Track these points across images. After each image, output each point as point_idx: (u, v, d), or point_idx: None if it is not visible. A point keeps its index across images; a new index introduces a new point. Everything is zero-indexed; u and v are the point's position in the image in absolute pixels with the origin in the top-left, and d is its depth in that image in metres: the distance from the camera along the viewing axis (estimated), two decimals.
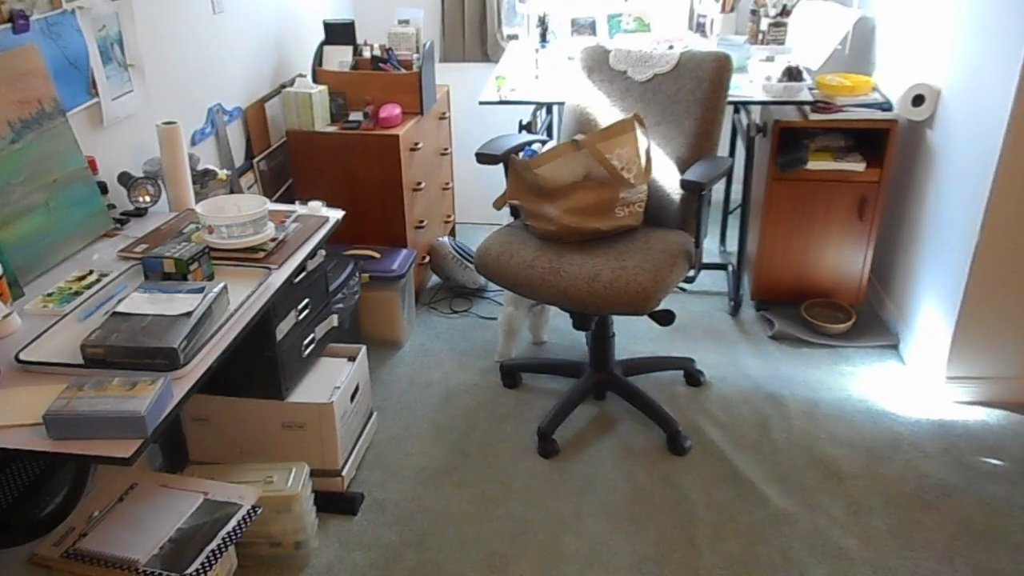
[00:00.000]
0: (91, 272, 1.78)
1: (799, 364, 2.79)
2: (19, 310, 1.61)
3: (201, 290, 1.58)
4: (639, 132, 2.27)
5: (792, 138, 2.84)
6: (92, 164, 1.97)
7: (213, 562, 1.66)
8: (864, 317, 2.98)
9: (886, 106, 2.77)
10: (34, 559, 1.65)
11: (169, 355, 1.40)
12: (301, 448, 2.12)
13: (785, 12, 3.12)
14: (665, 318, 2.37)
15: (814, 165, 2.83)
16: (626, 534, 2.10)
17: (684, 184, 2.19)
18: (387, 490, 2.27)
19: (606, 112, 2.50)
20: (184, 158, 2.12)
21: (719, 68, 2.34)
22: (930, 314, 2.64)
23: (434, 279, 3.41)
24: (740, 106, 3.00)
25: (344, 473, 2.19)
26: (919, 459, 2.34)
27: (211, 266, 1.76)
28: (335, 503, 2.18)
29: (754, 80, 2.87)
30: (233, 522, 1.75)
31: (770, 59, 3.02)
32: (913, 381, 2.68)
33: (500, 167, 2.43)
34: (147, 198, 2.09)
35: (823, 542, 2.06)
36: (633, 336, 2.97)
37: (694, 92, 2.36)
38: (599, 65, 2.53)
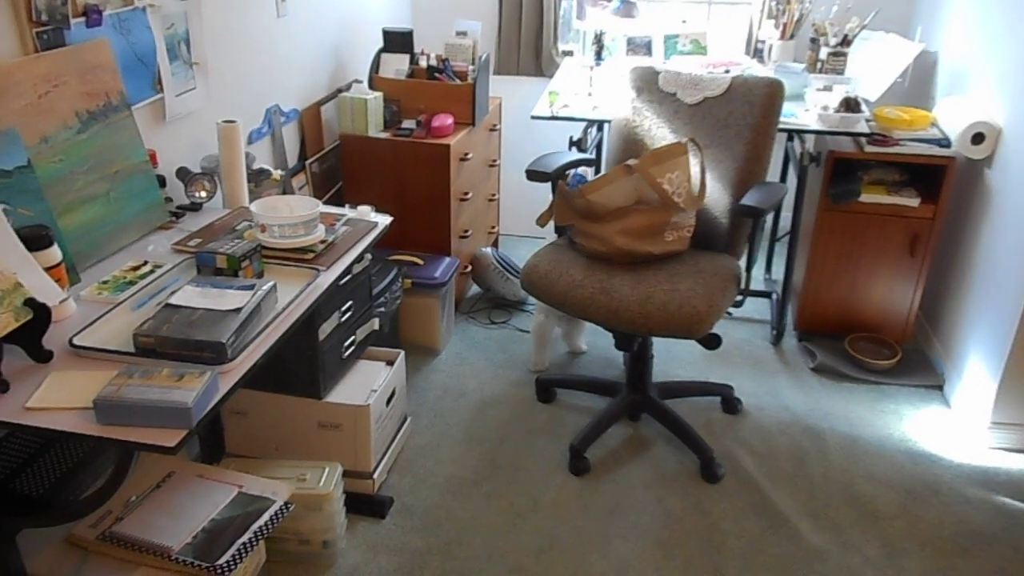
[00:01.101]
0: (146, 263, 1.83)
1: (840, 399, 2.74)
2: (75, 295, 1.65)
3: (251, 287, 1.61)
4: (691, 156, 2.26)
5: (846, 169, 2.81)
6: (153, 157, 2.02)
7: (244, 555, 1.68)
8: (910, 355, 2.92)
9: (944, 142, 2.72)
10: (71, 539, 1.69)
11: (217, 349, 1.43)
12: (335, 448, 2.14)
13: (846, 42, 3.08)
14: (712, 342, 2.35)
15: (867, 198, 2.79)
16: (653, 559, 2.08)
17: (742, 210, 2.18)
18: (416, 496, 2.28)
19: (654, 133, 2.50)
20: (241, 156, 2.16)
21: (771, 94, 2.33)
22: (978, 357, 2.58)
23: (474, 289, 3.42)
24: (794, 134, 2.97)
25: (375, 476, 2.21)
26: (958, 504, 2.28)
27: (262, 264, 1.79)
28: (365, 505, 2.20)
29: (810, 109, 2.84)
30: (265, 517, 1.77)
31: (828, 88, 2.98)
32: (957, 424, 2.62)
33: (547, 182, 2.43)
34: (203, 193, 2.14)
35: None
36: (672, 359, 2.95)
37: (745, 117, 2.34)
38: (648, 86, 2.53)
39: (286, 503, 1.83)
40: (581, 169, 2.67)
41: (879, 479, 2.37)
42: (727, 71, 2.96)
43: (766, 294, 3.37)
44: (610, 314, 2.17)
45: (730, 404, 2.67)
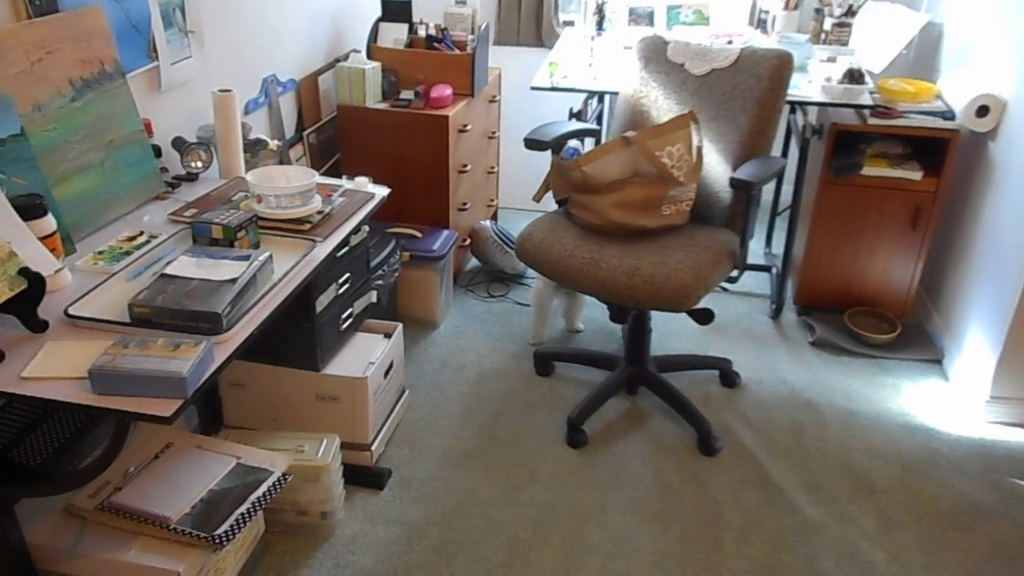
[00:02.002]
0: (141, 233, 1.81)
1: (838, 373, 2.74)
2: (70, 265, 1.64)
3: (247, 257, 1.60)
4: (693, 129, 2.24)
5: (848, 142, 2.78)
6: (148, 127, 2.00)
7: (242, 525, 1.68)
8: (909, 329, 2.92)
9: (948, 115, 2.69)
10: (70, 509, 1.70)
11: (213, 319, 1.42)
12: (333, 420, 2.14)
13: (850, 12, 3.04)
14: (704, 317, 2.34)
15: (869, 171, 2.77)
16: (650, 530, 2.09)
17: (733, 183, 2.15)
18: (414, 468, 2.28)
19: (660, 104, 2.47)
20: (237, 126, 2.14)
21: (780, 66, 2.30)
22: (977, 331, 2.57)
23: (473, 262, 3.41)
24: (797, 106, 2.94)
25: (373, 448, 2.21)
26: (956, 477, 2.28)
27: (258, 235, 1.78)
28: (363, 477, 2.21)
29: (813, 80, 2.81)
30: (263, 488, 1.78)
31: (831, 60, 2.95)
32: (955, 398, 2.62)
33: (548, 153, 2.41)
34: (199, 164, 2.12)
35: (851, 554, 2.03)
36: (670, 332, 2.94)
37: (752, 90, 2.31)
38: (656, 56, 2.50)
39: (284, 474, 1.83)
40: (574, 142, 2.64)
41: (877, 452, 2.38)
42: (730, 42, 2.93)
43: (766, 268, 3.36)
44: (598, 285, 2.16)
45: (728, 378, 2.67)
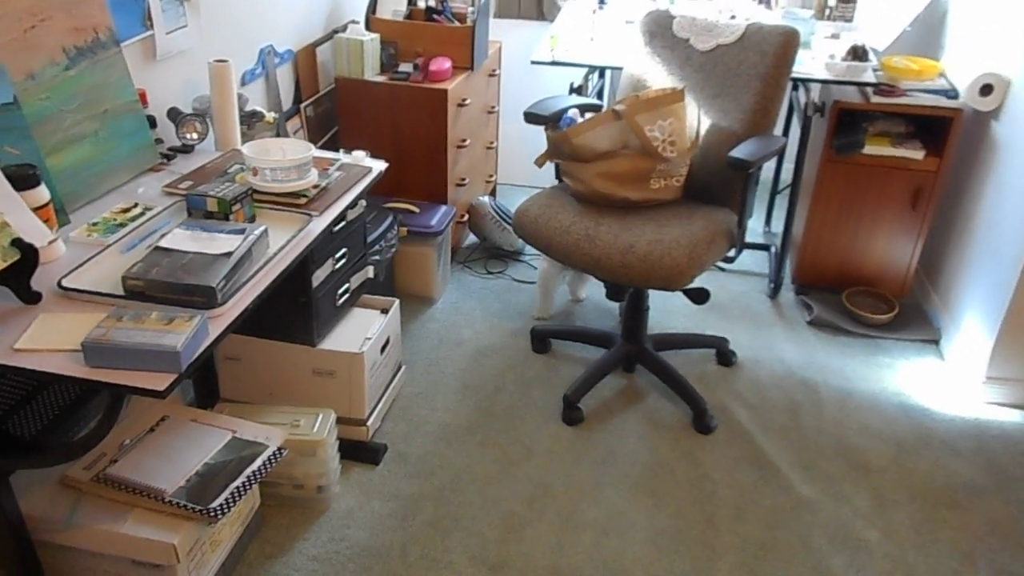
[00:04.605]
0: (136, 205, 1.79)
1: (835, 352, 2.74)
2: (64, 237, 1.63)
3: (242, 231, 1.58)
4: (689, 106, 2.21)
5: (851, 120, 2.76)
6: (143, 97, 1.97)
7: (237, 499, 1.69)
8: (907, 310, 2.91)
9: (952, 94, 2.67)
10: (65, 480, 1.70)
11: (207, 293, 1.41)
12: (329, 395, 2.14)
13: None
14: (699, 296, 2.34)
15: (871, 150, 2.75)
16: (644, 507, 2.10)
17: (730, 161, 2.13)
18: (410, 443, 2.29)
19: (663, 80, 2.44)
20: (233, 97, 2.11)
21: (786, 43, 2.27)
22: (975, 311, 2.57)
23: (471, 238, 3.40)
24: (799, 83, 2.91)
25: (369, 423, 2.21)
26: (950, 457, 2.29)
27: (253, 208, 1.76)
28: (359, 452, 2.21)
29: (816, 57, 2.77)
30: (259, 462, 1.78)
31: (835, 36, 2.92)
32: (952, 378, 2.62)
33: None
34: (195, 135, 2.10)
35: (844, 532, 2.04)
36: (668, 311, 2.94)
37: (756, 66, 2.29)
38: (662, 31, 2.47)
39: (279, 448, 1.83)
40: (572, 112, 2.61)
41: (872, 432, 2.38)
42: (732, 17, 2.89)
43: (764, 247, 3.35)
44: (592, 262, 2.15)
45: (725, 357, 2.67)
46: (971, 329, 2.59)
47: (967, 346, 2.60)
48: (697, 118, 2.25)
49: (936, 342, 2.79)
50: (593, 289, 3.02)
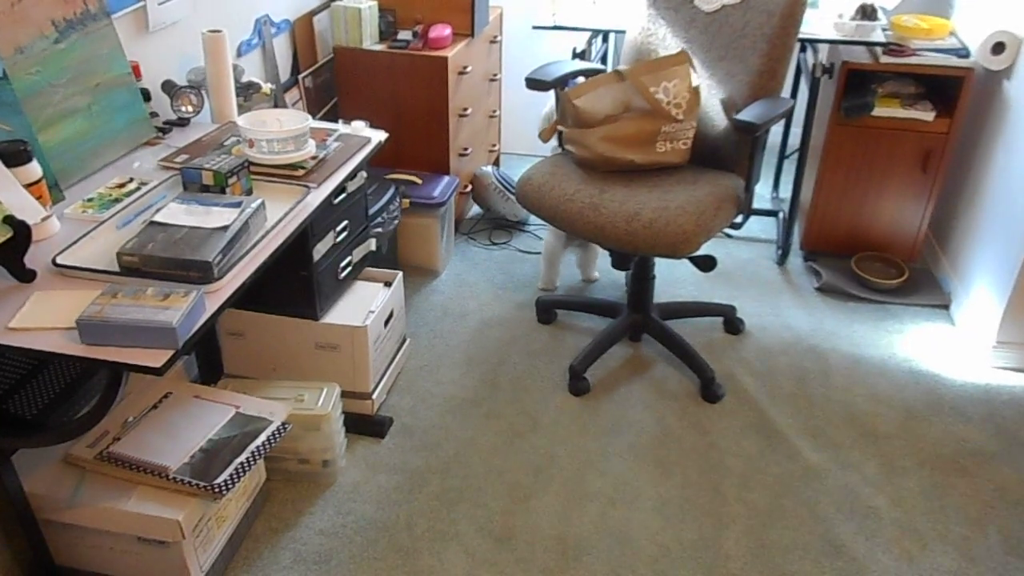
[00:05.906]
0: (131, 180, 1.77)
1: (844, 318, 2.71)
2: (58, 214, 1.61)
3: (239, 204, 1.56)
4: (691, 66, 2.17)
5: (860, 81, 2.70)
6: (136, 70, 1.94)
7: (241, 474, 1.68)
8: (917, 274, 2.87)
9: (963, 52, 2.61)
10: (68, 459, 1.70)
11: (203, 268, 1.39)
12: (333, 369, 2.13)
13: None
14: (706, 264, 2.31)
15: (880, 112, 2.69)
16: (651, 476, 2.09)
17: (737, 124, 2.08)
18: (416, 416, 2.28)
19: (668, 43, 2.39)
20: (229, 69, 2.08)
21: (792, 3, 2.21)
22: (986, 275, 2.53)
23: (475, 209, 3.36)
24: (807, 44, 2.85)
25: (374, 397, 2.20)
26: (959, 423, 2.27)
27: (250, 181, 1.73)
28: (364, 425, 2.20)
29: (824, 17, 2.71)
30: (263, 437, 1.77)
31: None
32: (961, 344, 2.59)
33: (550, 95, 2.34)
34: (190, 108, 2.07)
35: (852, 499, 2.02)
36: (674, 279, 2.91)
37: (762, 27, 2.23)
38: None
39: (283, 423, 1.82)
40: (579, 79, 2.56)
41: (880, 398, 2.36)
42: None
43: (772, 213, 3.30)
44: (597, 230, 2.12)
45: (732, 324, 2.64)
46: (981, 293, 2.56)
47: (977, 311, 2.57)
48: (698, 80, 2.20)
49: (946, 307, 2.76)
50: (605, 260, 2.99)
